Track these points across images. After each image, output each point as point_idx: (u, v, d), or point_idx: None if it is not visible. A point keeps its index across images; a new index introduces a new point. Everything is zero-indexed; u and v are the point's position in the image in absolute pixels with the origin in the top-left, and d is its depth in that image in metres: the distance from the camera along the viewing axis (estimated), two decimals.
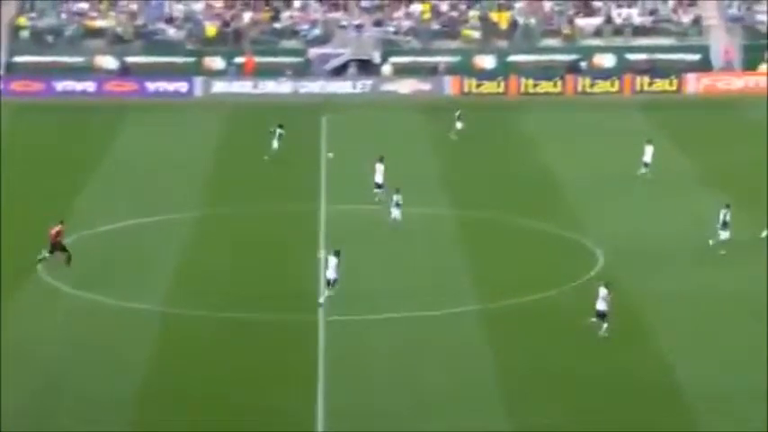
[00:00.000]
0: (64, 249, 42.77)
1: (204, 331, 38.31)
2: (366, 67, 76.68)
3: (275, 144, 58.16)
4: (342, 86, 75.23)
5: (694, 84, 74.12)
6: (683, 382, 34.16)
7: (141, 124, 67.09)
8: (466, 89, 74.74)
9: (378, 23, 79.61)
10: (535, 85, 74.32)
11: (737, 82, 74.48)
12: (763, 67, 75.22)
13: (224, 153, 61.10)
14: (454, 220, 49.15)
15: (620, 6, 79.92)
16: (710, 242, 44.71)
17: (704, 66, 75.94)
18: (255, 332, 38.18)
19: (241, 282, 42.60)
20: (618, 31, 78.23)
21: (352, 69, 76.56)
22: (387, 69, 76.53)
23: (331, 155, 56.39)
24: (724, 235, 44.50)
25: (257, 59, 76.37)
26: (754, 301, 39.86)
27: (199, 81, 74.89)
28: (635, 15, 79.10)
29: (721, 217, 44.53)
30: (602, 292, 37.43)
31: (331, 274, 39.90)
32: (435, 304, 40.13)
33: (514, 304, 40.20)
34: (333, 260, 40.01)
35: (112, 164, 58.40)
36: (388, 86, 75.31)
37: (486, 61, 76.93)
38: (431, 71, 76.23)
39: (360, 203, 51.53)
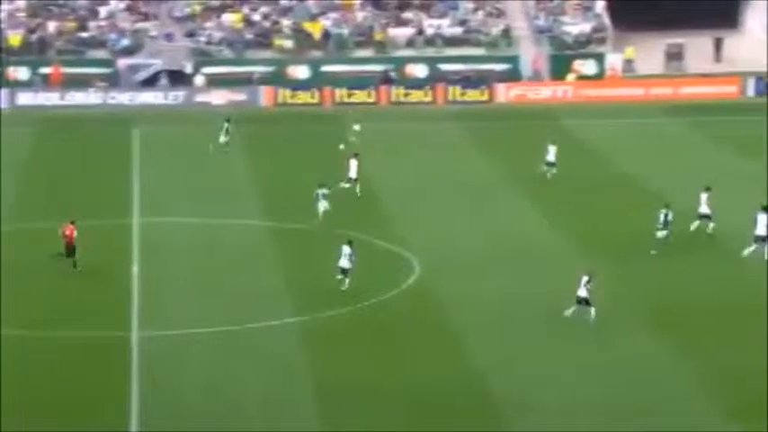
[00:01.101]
0: (73, 252, 43.00)
1: (12, 350, 36.92)
2: (178, 78, 75.63)
3: (222, 138, 60.35)
4: (153, 97, 74.01)
5: (504, 93, 75.27)
6: (495, 391, 34.31)
7: None
8: (280, 99, 74.41)
9: (189, 34, 78.59)
10: (349, 95, 74.47)
11: (546, 91, 75.92)
12: (570, 77, 76.87)
13: (32, 167, 59.30)
14: (270, 232, 48.70)
15: (431, 17, 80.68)
16: (658, 236, 45.25)
17: (514, 76, 77.22)
18: (66, 350, 37.03)
19: (51, 299, 41.29)
20: (430, 42, 78.97)
21: (163, 80, 75.40)
22: (199, 80, 75.60)
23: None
24: (662, 234, 45.19)
25: (64, 70, 74.51)
26: (567, 308, 40.35)
27: (2, 93, 72.64)
28: (446, 26, 79.96)
29: (661, 217, 45.21)
30: (584, 279, 38.37)
31: (345, 263, 41.05)
32: (252, 317, 39.60)
33: (331, 316, 39.98)
34: (346, 249, 41.11)
35: None
36: (201, 97, 74.42)
37: (300, 71, 76.76)
38: (244, 81, 75.65)
39: (174, 216, 50.62)
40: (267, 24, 79.81)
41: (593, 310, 38.58)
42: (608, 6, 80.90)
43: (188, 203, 52.67)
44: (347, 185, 52.47)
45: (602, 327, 38.94)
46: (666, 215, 45.29)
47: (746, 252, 44.51)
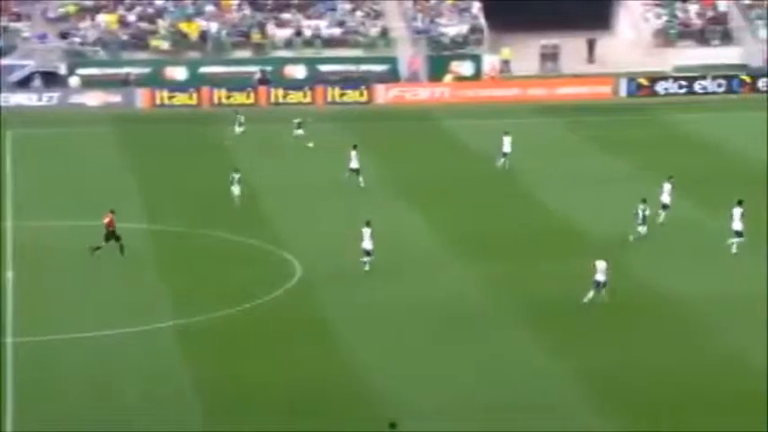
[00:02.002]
0: (117, 239, 44.41)
1: None
2: (52, 79, 74.48)
3: (237, 129, 62.69)
4: (26, 99, 72.79)
5: (383, 94, 75.60)
6: (375, 390, 34.43)
7: None
8: (158, 101, 73.75)
9: (63, 34, 77.45)
10: (228, 97, 74.12)
11: (423, 92, 76.42)
12: (447, 78, 77.48)
13: None
14: (148, 235, 48.25)
15: (309, 18, 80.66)
16: (630, 238, 45.93)
17: (392, 77, 77.59)
18: None
19: None
20: (308, 43, 78.96)
21: (37, 81, 74.20)
22: (74, 81, 74.58)
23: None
24: (643, 230, 45.94)
25: None
26: (449, 311, 40.56)
27: None
28: (324, 27, 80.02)
29: (640, 213, 45.93)
30: (601, 264, 39.50)
31: (367, 244, 42.74)
32: (131, 321, 39.22)
33: (213, 317, 39.76)
34: (367, 231, 42.74)
35: None
36: (76, 98, 73.43)
37: (178, 72, 76.17)
38: (121, 83, 74.83)
39: (50, 220, 49.85)
40: (143, 25, 79.02)
41: (603, 292, 39.90)
42: (484, 8, 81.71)
43: (64, 206, 51.93)
44: (356, 177, 54.02)
45: (481, 325, 39.30)
46: (644, 210, 46.18)
47: (733, 249, 45.21)
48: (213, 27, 78.86)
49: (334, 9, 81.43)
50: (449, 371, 35.85)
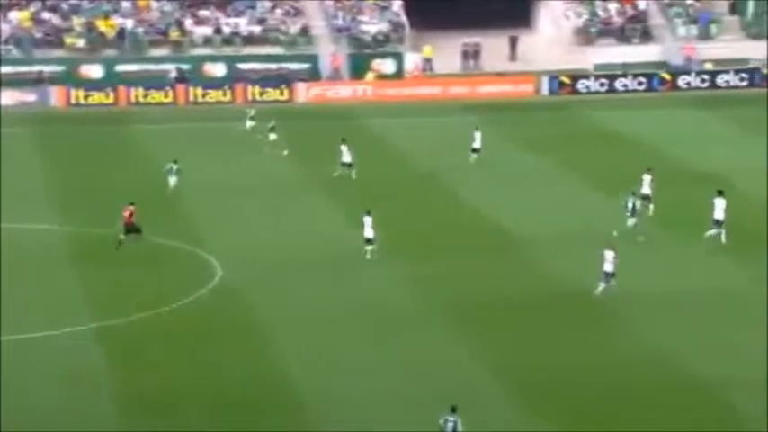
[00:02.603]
0: (138, 230, 45.07)
1: None
2: None
3: (248, 124, 63.35)
4: None
5: (304, 92, 74.96)
6: (300, 389, 34.00)
7: None
8: (73, 100, 72.49)
9: None
10: (145, 95, 72.98)
11: (345, 90, 75.92)
12: (369, 76, 77.06)
13: None
14: (65, 237, 47.25)
15: (228, 15, 79.77)
16: (615, 233, 45.29)
17: (313, 75, 76.96)
18: None
19: None
20: (228, 41, 78.03)
21: None
22: None
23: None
24: (631, 221, 45.81)
25: None
26: (374, 311, 40.06)
27: None
28: (243, 25, 79.18)
29: (629, 205, 45.80)
30: (609, 254, 39.52)
31: (368, 232, 43.21)
32: (49, 324, 38.31)
33: (133, 320, 38.98)
34: (368, 219, 43.26)
35: None
36: None
37: (94, 71, 74.85)
38: (34, 81, 73.38)
39: None
40: (58, 22, 77.59)
41: (614, 282, 39.73)
42: (405, 6, 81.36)
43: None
44: (348, 171, 54.25)
45: (408, 324, 38.90)
46: (634, 203, 46.11)
47: (706, 235, 45.18)
48: (130, 24, 77.64)
49: (253, 7, 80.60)
50: (375, 371, 35.42)
